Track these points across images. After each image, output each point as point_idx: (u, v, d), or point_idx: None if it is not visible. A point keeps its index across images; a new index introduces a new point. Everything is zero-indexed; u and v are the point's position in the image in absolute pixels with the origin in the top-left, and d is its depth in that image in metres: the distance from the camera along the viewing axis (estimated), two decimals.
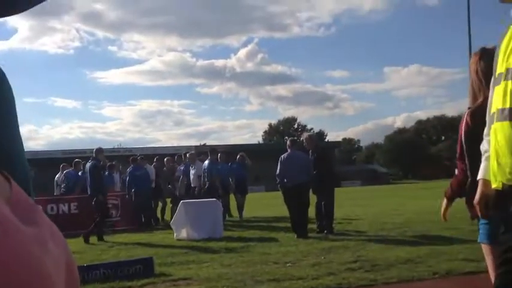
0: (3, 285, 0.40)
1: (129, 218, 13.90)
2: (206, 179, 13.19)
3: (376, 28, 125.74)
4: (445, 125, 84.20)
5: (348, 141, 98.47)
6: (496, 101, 2.26)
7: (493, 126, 2.27)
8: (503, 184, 2.21)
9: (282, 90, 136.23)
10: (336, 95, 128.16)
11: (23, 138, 0.73)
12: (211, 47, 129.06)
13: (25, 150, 0.73)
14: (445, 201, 3.38)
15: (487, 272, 3.13)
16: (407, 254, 7.07)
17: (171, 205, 14.41)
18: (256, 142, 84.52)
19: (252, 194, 22.70)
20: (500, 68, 2.27)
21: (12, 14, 0.80)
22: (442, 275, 5.83)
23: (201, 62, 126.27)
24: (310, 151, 10.33)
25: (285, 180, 9.98)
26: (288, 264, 6.90)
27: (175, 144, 65.64)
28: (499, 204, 2.30)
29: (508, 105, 2.17)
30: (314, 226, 10.33)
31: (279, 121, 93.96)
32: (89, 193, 10.98)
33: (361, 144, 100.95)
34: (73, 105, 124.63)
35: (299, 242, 9.06)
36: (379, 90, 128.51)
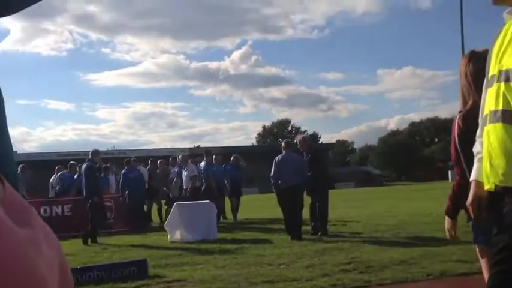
0: None
1: (122, 220, 13.88)
2: (203, 180, 13.25)
3: (369, 30, 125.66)
4: (438, 127, 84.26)
5: (341, 143, 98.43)
6: (488, 103, 2.27)
7: (485, 128, 2.28)
8: (496, 185, 2.22)
9: (275, 92, 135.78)
10: (329, 97, 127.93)
11: (15, 141, 0.72)
12: (205, 49, 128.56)
13: (19, 152, 0.72)
14: (446, 219, 3.16)
15: (481, 273, 3.14)
16: (401, 256, 7.09)
17: (165, 207, 14.39)
18: (250, 144, 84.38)
19: (246, 196, 22.70)
20: (492, 70, 2.27)
21: (5, 15, 0.79)
22: (436, 276, 5.84)
23: (195, 64, 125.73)
24: (304, 153, 10.36)
25: (279, 181, 10.00)
26: (282, 266, 6.90)
27: (169, 146, 65.35)
28: (492, 205, 2.31)
29: (500, 107, 2.17)
30: (308, 228, 10.33)
31: (272, 123, 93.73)
32: (84, 195, 10.96)
33: (355, 146, 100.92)
34: (66, 107, 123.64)
35: (293, 243, 9.07)
36: (373, 92, 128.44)
